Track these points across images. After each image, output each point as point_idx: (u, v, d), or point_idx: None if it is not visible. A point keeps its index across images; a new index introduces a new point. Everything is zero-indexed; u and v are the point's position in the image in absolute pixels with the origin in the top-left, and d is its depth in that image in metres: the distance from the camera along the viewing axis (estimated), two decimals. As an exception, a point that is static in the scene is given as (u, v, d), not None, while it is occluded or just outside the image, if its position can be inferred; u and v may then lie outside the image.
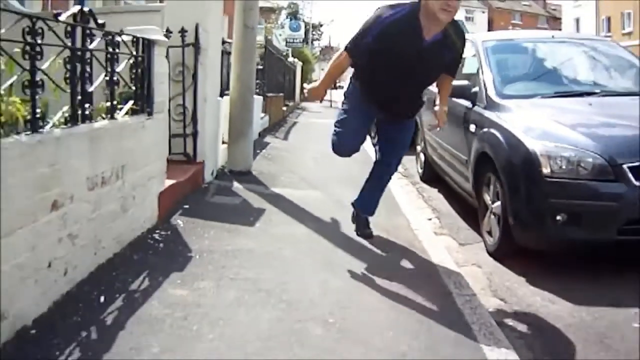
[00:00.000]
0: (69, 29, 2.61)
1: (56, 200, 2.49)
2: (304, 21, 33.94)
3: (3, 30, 2.18)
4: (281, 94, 14.18)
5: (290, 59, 20.69)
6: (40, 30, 2.29)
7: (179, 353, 2.25)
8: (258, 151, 7.35)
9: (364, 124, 3.88)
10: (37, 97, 2.32)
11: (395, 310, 2.86)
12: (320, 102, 3.15)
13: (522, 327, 3.03)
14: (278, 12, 38.41)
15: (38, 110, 2.34)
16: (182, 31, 4.75)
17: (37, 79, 2.32)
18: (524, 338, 2.91)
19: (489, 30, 51.89)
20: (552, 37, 5.78)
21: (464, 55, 3.80)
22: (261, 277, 3.10)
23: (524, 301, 3.38)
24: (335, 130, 3.86)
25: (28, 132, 2.31)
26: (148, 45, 3.57)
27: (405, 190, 6.16)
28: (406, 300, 2.99)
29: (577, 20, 37.86)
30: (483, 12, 53.71)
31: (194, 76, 4.93)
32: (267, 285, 2.99)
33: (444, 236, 4.63)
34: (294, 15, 38.45)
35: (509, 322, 3.07)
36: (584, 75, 5.06)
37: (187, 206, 4.35)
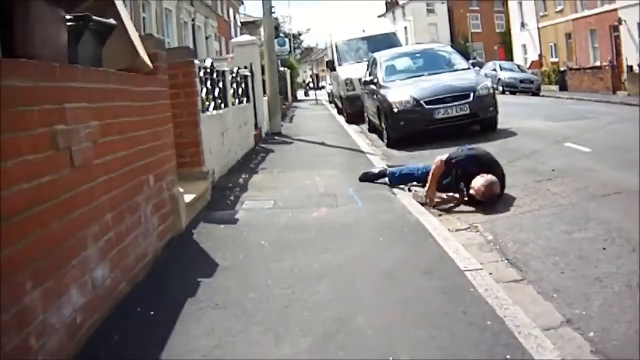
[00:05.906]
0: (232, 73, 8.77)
1: (238, 127, 8.61)
2: (285, 34, 40.01)
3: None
4: (281, 96, 20.31)
5: (281, 68, 26.64)
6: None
7: (284, 160, 8.41)
8: (278, 126, 13.55)
9: None
10: (239, 97, 8.49)
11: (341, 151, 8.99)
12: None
13: (386, 159, 9.15)
14: (260, 25, 43.92)
15: (232, 101, 8.48)
16: (245, 67, 10.80)
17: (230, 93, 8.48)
18: (387, 162, 9.02)
19: (449, 18, 56.35)
20: (414, 49, 11.97)
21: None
22: (299, 151, 9.37)
23: (394, 156, 9.49)
24: None
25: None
26: (245, 77, 9.73)
27: (359, 136, 12.33)
28: (348, 150, 9.09)
29: (520, 4, 43.13)
30: (442, 3, 57.37)
31: (253, 87, 11.02)
32: (302, 152, 9.24)
33: (372, 146, 10.75)
34: (275, 28, 44.25)
35: (384, 158, 9.17)
36: (424, 66, 11.16)
37: (261, 143, 10.51)
